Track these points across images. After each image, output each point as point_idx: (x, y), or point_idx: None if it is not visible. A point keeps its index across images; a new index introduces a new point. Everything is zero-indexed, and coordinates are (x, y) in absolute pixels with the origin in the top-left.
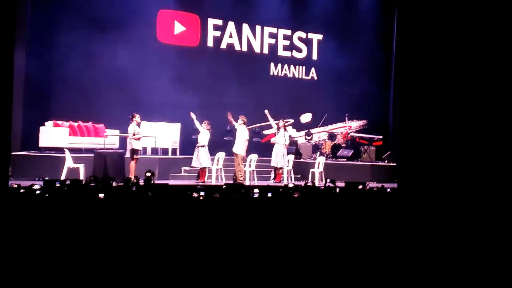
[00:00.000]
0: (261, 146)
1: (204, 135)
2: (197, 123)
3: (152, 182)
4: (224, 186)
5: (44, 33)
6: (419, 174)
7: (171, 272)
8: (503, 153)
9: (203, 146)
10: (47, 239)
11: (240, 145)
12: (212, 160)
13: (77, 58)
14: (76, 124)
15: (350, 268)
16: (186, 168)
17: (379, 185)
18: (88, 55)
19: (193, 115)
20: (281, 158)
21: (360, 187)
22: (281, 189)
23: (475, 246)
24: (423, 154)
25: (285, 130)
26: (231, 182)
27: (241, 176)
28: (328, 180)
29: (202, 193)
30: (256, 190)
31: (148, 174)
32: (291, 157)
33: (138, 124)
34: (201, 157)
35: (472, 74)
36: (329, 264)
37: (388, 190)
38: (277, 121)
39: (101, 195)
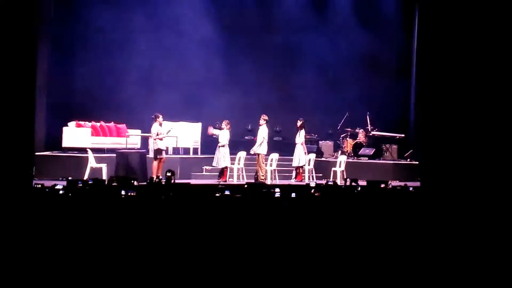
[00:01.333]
0: (282, 145)
1: (224, 135)
2: (217, 131)
3: (173, 181)
4: (245, 186)
5: (67, 34)
6: (442, 173)
7: (193, 270)
8: None
9: (223, 145)
10: (70, 238)
11: (260, 144)
12: (233, 159)
13: (100, 59)
14: (98, 124)
15: (371, 267)
16: (207, 167)
17: (402, 183)
18: (110, 56)
19: (212, 131)
20: (297, 157)
21: (383, 185)
22: (301, 189)
23: (501, 249)
24: (446, 152)
25: (301, 129)
26: (253, 181)
27: (263, 176)
28: (348, 180)
29: (227, 192)
30: (277, 190)
31: (169, 174)
32: (313, 156)
33: (161, 124)
34: (220, 157)
35: (501, 68)
36: (351, 263)
37: (411, 189)
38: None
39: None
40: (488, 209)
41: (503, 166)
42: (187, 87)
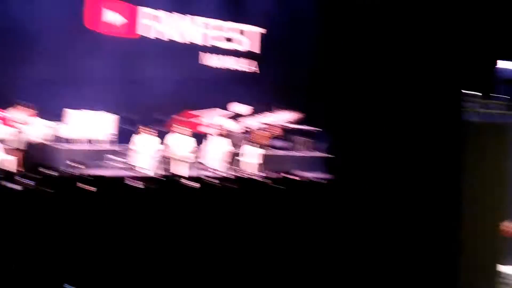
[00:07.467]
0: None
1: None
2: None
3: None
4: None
5: None
6: (354, 165)
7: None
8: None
9: None
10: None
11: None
12: None
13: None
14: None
15: (279, 258)
16: (117, 158)
17: (314, 175)
18: (18, 45)
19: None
20: None
21: (296, 178)
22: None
23: (408, 238)
24: (357, 144)
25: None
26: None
27: None
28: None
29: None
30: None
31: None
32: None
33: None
34: None
35: (397, 63)
36: (260, 254)
37: (323, 181)
38: None
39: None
40: (397, 201)
41: (413, 160)
42: (95, 78)
